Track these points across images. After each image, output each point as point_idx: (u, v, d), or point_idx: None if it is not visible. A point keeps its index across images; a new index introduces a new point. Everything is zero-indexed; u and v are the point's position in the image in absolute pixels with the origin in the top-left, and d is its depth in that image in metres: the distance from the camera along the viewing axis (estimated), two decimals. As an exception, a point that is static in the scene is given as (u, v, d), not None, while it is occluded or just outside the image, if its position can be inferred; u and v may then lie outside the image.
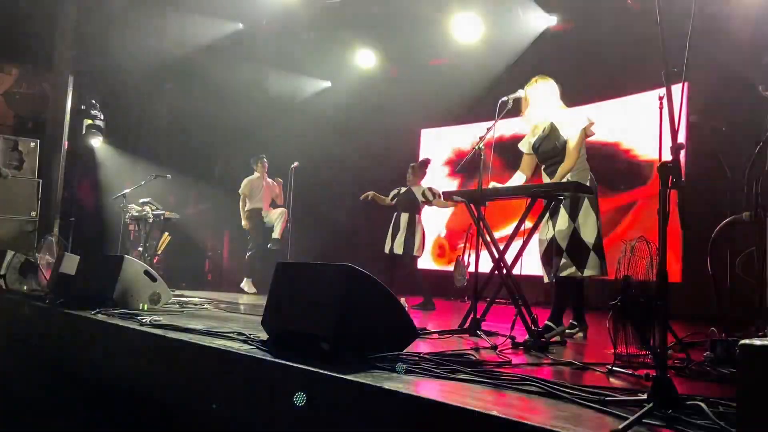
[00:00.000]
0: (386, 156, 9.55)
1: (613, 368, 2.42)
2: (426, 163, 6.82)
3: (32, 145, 8.54)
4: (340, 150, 9.60)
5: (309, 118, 9.79)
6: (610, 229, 6.78)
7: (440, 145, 9.78)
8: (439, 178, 9.35)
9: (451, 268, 8.16)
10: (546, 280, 3.95)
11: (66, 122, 8.63)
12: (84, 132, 8.81)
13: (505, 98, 3.96)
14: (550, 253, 3.86)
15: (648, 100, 6.34)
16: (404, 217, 6.48)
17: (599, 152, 6.70)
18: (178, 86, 9.55)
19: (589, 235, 3.72)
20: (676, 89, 1.82)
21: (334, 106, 10.03)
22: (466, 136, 9.10)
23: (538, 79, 4.01)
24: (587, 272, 3.71)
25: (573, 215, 3.76)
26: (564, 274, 3.74)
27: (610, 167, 7.13)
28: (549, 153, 3.94)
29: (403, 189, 6.68)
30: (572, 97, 4.23)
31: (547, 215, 3.81)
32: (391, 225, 6.57)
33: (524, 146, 4.13)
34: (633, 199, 7.16)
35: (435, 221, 9.01)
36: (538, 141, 3.99)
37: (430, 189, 6.60)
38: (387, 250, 6.51)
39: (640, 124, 6.89)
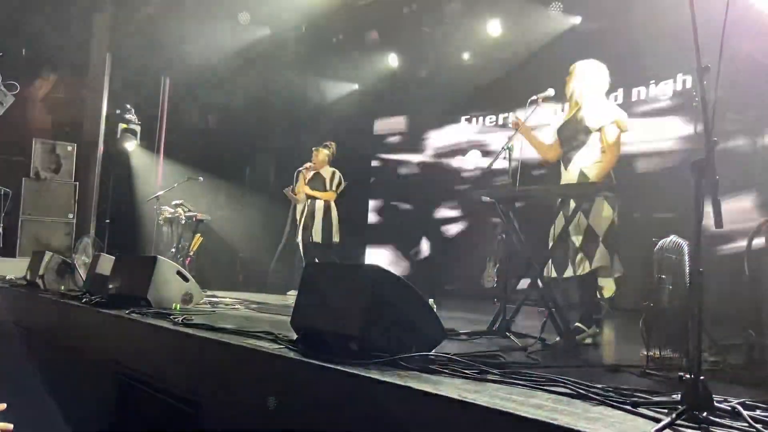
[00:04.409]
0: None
1: (646, 370, 2.38)
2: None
3: (69, 148, 8.77)
4: (363, 150, 9.66)
5: (336, 120, 9.85)
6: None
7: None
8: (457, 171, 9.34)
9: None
10: (554, 275, 3.77)
11: (102, 126, 8.84)
12: (119, 136, 9.01)
13: (535, 97, 3.91)
14: (563, 249, 3.70)
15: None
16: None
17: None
18: (210, 90, 9.69)
19: (602, 233, 3.57)
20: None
21: (361, 107, 10.08)
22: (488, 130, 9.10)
23: (593, 61, 3.82)
24: (596, 264, 3.55)
25: (586, 212, 3.60)
26: (581, 272, 3.61)
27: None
28: (570, 137, 3.77)
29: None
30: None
31: (561, 213, 3.68)
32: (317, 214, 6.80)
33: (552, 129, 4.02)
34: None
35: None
36: (564, 124, 3.85)
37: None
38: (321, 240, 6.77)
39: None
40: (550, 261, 3.61)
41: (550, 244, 3.73)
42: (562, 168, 3.84)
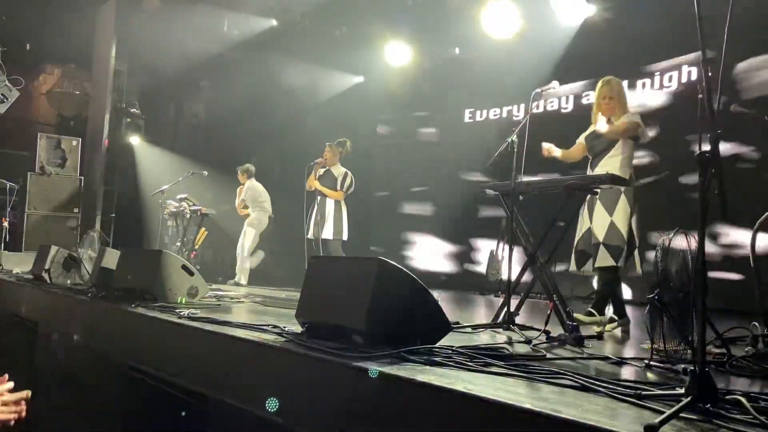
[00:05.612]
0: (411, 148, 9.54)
1: (651, 363, 2.38)
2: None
3: (74, 143, 8.80)
4: (369, 142, 9.62)
5: (341, 113, 9.83)
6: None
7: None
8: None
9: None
10: (572, 269, 4.01)
11: (106, 120, 8.86)
12: (124, 130, 9.04)
13: (538, 89, 3.93)
14: (585, 245, 3.88)
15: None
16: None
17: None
18: (214, 83, 9.69)
19: (623, 230, 3.75)
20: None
21: (366, 100, 10.06)
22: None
23: (612, 79, 4.07)
24: (621, 263, 3.76)
25: (610, 210, 3.80)
26: (600, 264, 3.78)
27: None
28: (596, 146, 4.02)
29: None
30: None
31: (586, 210, 3.87)
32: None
33: (582, 136, 4.22)
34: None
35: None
36: (591, 133, 4.08)
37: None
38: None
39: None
40: (555, 254, 3.71)
41: (577, 237, 3.96)
42: (590, 172, 4.06)
